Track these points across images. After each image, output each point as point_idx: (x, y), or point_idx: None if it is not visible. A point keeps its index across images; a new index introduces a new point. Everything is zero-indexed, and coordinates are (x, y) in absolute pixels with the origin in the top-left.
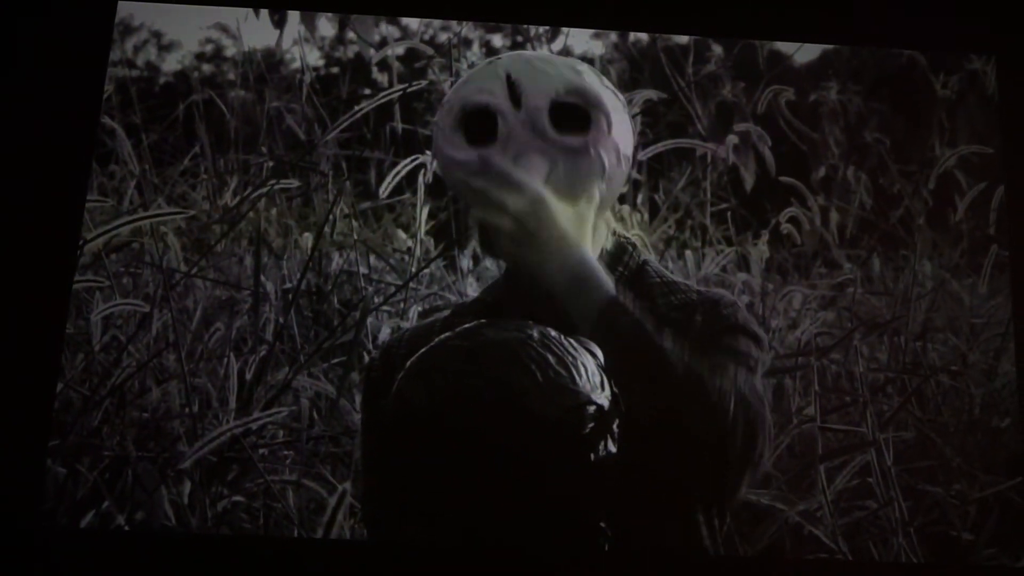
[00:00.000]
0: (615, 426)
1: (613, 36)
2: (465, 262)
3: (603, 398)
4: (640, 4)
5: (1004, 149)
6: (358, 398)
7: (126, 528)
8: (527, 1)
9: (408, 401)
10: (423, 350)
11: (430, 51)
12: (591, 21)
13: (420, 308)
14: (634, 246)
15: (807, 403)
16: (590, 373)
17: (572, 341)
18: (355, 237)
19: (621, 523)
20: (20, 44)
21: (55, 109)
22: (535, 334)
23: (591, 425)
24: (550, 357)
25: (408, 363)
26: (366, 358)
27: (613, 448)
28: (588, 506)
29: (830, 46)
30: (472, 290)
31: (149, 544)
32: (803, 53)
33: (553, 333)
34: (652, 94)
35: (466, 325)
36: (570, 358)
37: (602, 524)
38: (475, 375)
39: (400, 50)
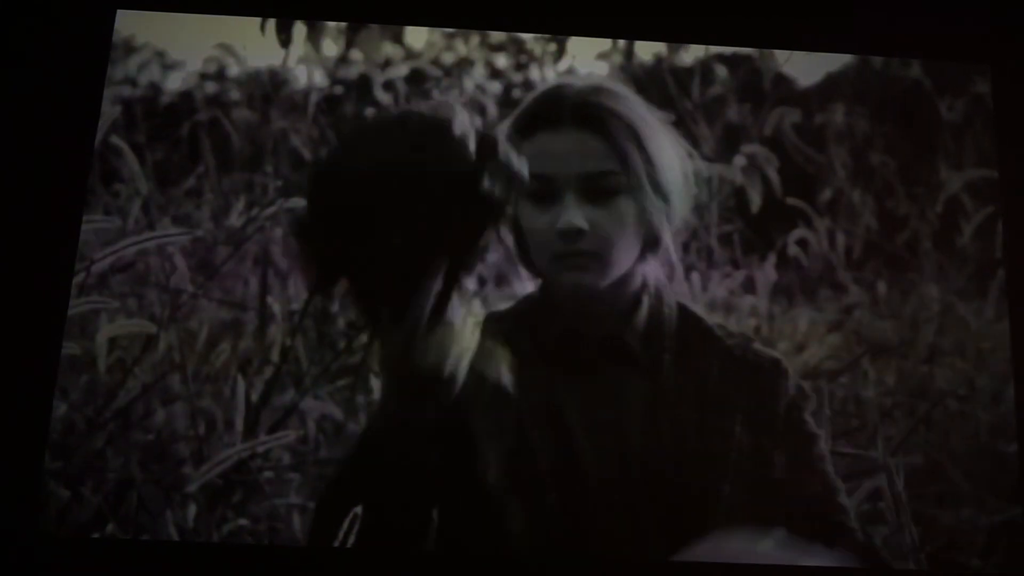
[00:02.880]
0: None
1: (618, 57)
2: (471, 284)
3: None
4: (646, 15)
5: (1001, 158)
6: (364, 421)
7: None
8: (533, 12)
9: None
10: None
11: (435, 71)
12: (600, 31)
13: None
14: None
15: (815, 413)
16: None
17: None
18: None
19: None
20: (16, 55)
21: (52, 125)
22: None
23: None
24: None
25: None
26: (372, 380)
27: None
28: None
29: (834, 68)
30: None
31: (151, 555)
32: (808, 75)
33: None
34: (659, 116)
35: None
36: None
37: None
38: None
39: (405, 70)
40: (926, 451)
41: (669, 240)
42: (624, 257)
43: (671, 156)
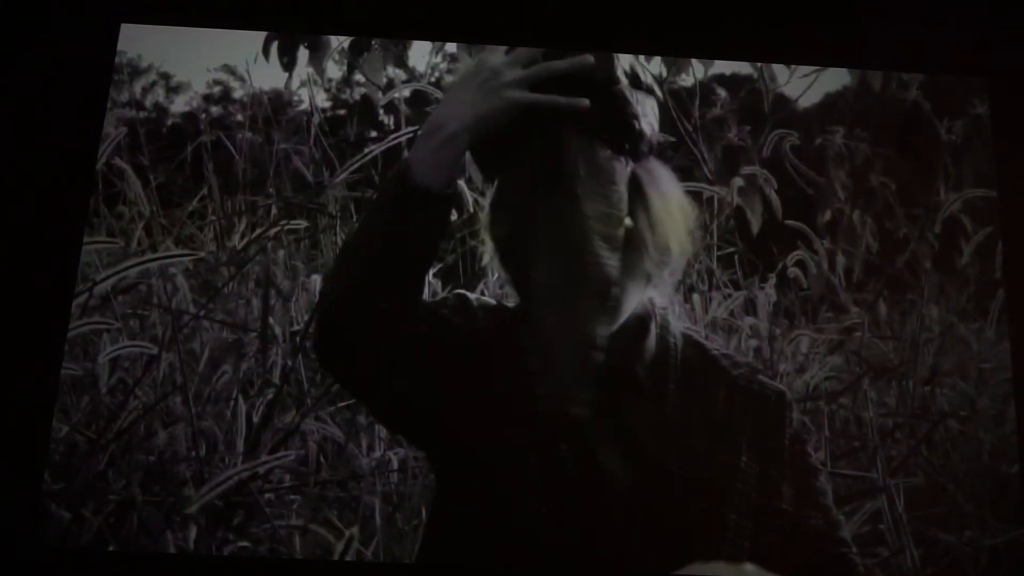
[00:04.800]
0: None
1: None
2: None
3: None
4: (648, 29)
5: (999, 178)
6: (365, 442)
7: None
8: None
9: None
10: None
11: (437, 93)
12: (609, 46)
13: None
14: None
15: (817, 448)
16: None
17: None
18: None
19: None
20: (19, 74)
21: (55, 145)
22: None
23: None
24: None
25: None
26: None
27: None
28: None
29: (833, 89)
30: None
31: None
32: (807, 97)
33: None
34: (660, 137)
35: None
36: None
37: None
38: None
39: (407, 92)
40: (927, 472)
41: (670, 282)
42: (633, 299)
43: (672, 203)
